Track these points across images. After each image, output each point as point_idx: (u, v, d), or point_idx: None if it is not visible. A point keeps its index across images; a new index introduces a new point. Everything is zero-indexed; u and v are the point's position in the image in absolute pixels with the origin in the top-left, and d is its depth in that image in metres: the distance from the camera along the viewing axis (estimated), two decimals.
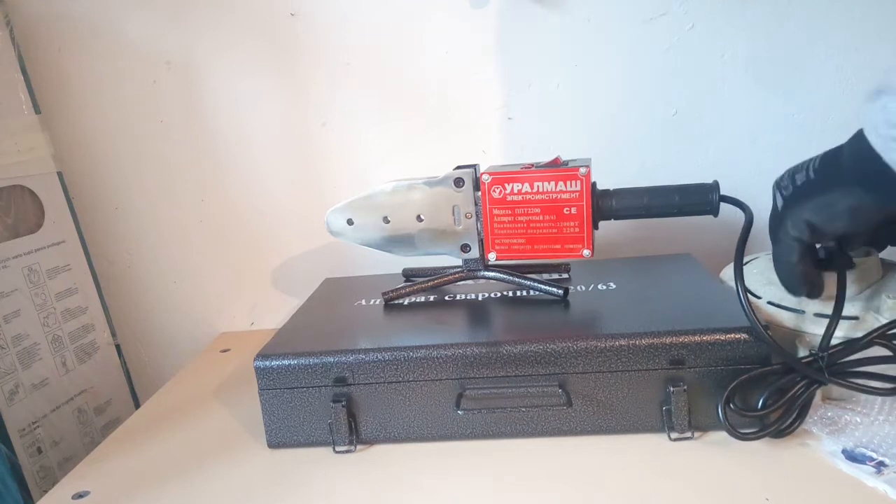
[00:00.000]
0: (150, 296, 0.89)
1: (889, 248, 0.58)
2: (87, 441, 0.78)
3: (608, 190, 0.60)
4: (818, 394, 0.53)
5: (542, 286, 0.63)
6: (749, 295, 0.57)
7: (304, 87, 0.79)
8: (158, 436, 0.64)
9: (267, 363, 0.57)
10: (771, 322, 0.56)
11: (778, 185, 0.52)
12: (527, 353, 0.54)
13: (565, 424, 0.55)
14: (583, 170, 0.58)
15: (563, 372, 0.54)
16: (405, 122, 0.79)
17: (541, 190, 0.59)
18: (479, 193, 0.61)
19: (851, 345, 0.51)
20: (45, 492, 0.57)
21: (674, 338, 0.52)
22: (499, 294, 0.66)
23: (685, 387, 0.52)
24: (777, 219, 0.52)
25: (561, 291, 0.62)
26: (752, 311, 0.51)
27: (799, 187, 0.50)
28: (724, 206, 0.58)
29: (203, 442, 0.62)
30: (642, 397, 0.54)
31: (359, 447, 0.57)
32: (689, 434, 0.53)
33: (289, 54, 0.78)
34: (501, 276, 0.64)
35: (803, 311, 0.55)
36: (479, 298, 0.66)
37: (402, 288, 0.67)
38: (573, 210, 0.59)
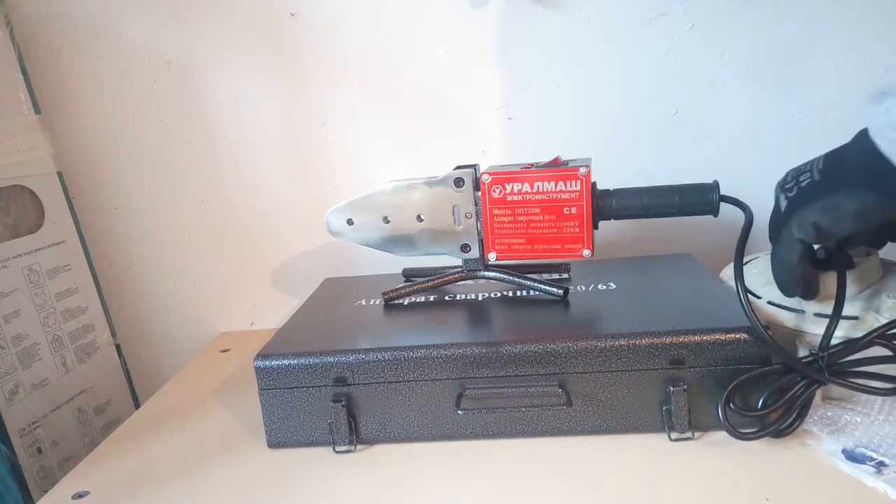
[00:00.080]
0: (150, 296, 0.89)
1: (889, 248, 0.58)
2: (87, 441, 0.78)
3: (608, 190, 0.60)
4: (818, 394, 0.53)
5: (542, 286, 0.63)
6: (749, 295, 0.57)
7: (304, 87, 0.79)
8: (158, 436, 0.64)
9: (267, 363, 0.57)
10: (771, 322, 0.56)
11: (781, 187, 0.52)
12: (527, 352, 0.54)
13: (565, 424, 0.55)
14: (583, 170, 0.58)
15: (563, 372, 0.54)
16: (405, 122, 0.79)
17: (541, 190, 0.59)
18: (479, 193, 0.61)
19: (851, 345, 0.51)
20: (45, 492, 0.57)
21: (674, 338, 0.52)
22: (499, 294, 0.66)
23: (685, 387, 0.52)
24: (780, 220, 0.52)
25: (561, 291, 0.62)
26: (752, 311, 0.51)
27: (804, 189, 0.50)
28: (724, 206, 0.58)
29: (203, 442, 0.62)
30: (642, 397, 0.54)
31: (359, 447, 0.57)
32: (689, 434, 0.53)
33: (289, 54, 0.78)
34: (501, 276, 0.64)
35: (803, 311, 0.55)
36: (479, 298, 0.66)
37: (402, 288, 0.67)
38: (573, 210, 0.59)
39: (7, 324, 0.70)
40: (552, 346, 0.53)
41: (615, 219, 0.60)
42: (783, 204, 0.51)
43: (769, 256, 0.56)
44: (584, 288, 0.65)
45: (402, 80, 0.78)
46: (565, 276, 0.69)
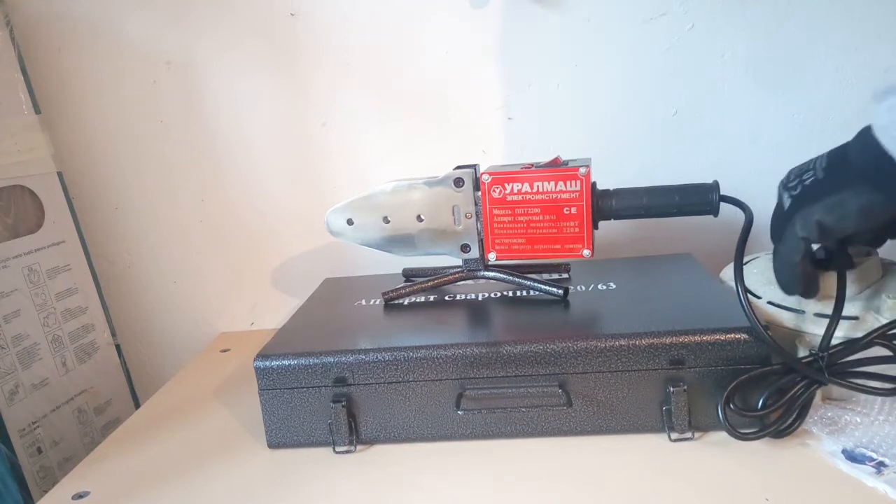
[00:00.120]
0: (150, 296, 0.89)
1: (889, 248, 0.58)
2: (87, 441, 0.78)
3: (608, 190, 0.60)
4: (818, 394, 0.53)
5: (542, 286, 0.63)
6: (749, 295, 0.57)
7: (304, 87, 0.79)
8: (158, 436, 0.64)
9: (267, 363, 0.57)
10: (771, 322, 0.56)
11: (784, 185, 0.52)
12: (527, 353, 0.54)
13: (565, 424, 0.55)
14: (583, 170, 0.58)
15: (563, 372, 0.54)
16: (405, 122, 0.79)
17: (541, 190, 0.59)
18: (479, 193, 0.61)
19: (851, 345, 0.51)
20: (45, 492, 0.57)
21: (674, 338, 0.52)
22: (499, 294, 0.66)
23: (685, 387, 0.52)
24: (783, 218, 0.51)
25: (561, 291, 0.62)
26: (752, 311, 0.51)
27: (808, 187, 0.49)
28: (724, 206, 0.57)
29: (203, 442, 0.62)
30: (642, 397, 0.54)
31: (359, 447, 0.57)
32: (689, 434, 0.53)
33: (289, 54, 0.78)
34: (501, 276, 0.64)
35: (803, 311, 0.55)
36: (479, 298, 0.66)
37: (402, 288, 0.67)
38: (573, 210, 0.59)
39: (7, 324, 0.70)
40: (552, 347, 0.53)
41: (615, 219, 0.60)
42: (786, 202, 0.51)
43: (769, 256, 0.56)
44: (584, 288, 0.65)
45: (402, 80, 0.78)
46: (565, 276, 0.69)
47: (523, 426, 0.55)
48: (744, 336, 0.51)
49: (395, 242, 0.64)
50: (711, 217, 0.58)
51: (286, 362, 0.56)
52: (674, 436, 0.53)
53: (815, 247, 0.57)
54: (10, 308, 0.70)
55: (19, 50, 0.76)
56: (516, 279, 0.64)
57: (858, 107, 0.73)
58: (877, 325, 0.51)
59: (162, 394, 0.73)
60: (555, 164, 0.60)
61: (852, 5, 0.70)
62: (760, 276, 0.61)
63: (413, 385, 0.55)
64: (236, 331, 0.89)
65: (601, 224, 0.61)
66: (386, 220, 0.64)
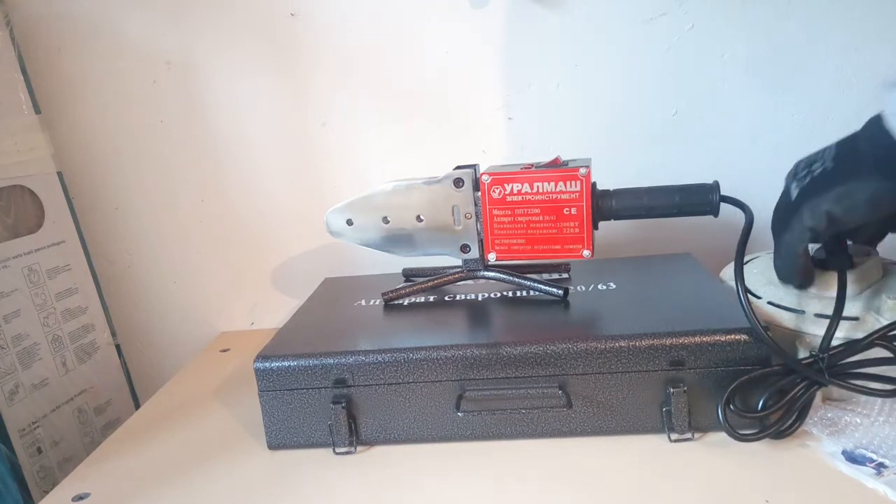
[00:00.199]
0: (150, 296, 0.89)
1: (890, 249, 0.58)
2: (87, 441, 0.78)
3: (608, 190, 0.60)
4: (818, 395, 0.53)
5: (542, 286, 0.63)
6: (749, 295, 0.57)
7: (304, 87, 0.79)
8: (158, 436, 0.64)
9: (267, 365, 0.57)
10: (771, 322, 0.56)
11: (794, 175, 0.52)
12: (527, 354, 0.54)
13: (565, 426, 0.55)
14: (583, 170, 0.58)
15: (562, 373, 0.54)
16: (405, 122, 0.79)
17: (541, 190, 0.59)
18: (479, 194, 0.61)
19: (852, 346, 0.51)
20: (46, 492, 0.57)
21: (674, 339, 0.52)
22: (499, 294, 0.66)
23: (685, 388, 0.52)
24: (789, 209, 0.51)
25: (561, 292, 0.62)
26: (753, 312, 0.51)
27: (817, 177, 0.49)
28: (724, 206, 0.57)
29: (203, 443, 0.62)
30: (642, 398, 0.54)
31: (359, 448, 0.57)
32: (689, 435, 0.53)
33: (289, 54, 0.78)
34: (501, 276, 0.64)
35: (803, 312, 0.55)
36: (479, 299, 0.66)
37: (401, 288, 0.67)
38: (573, 210, 0.59)
39: (7, 324, 0.70)
40: (552, 348, 0.53)
41: (615, 219, 0.60)
42: (794, 192, 0.51)
43: (770, 256, 0.56)
44: (584, 288, 0.65)
45: (402, 80, 0.78)
46: (565, 275, 0.69)
47: (523, 427, 0.55)
48: (744, 337, 0.51)
49: (395, 243, 0.64)
50: (711, 217, 0.58)
51: (286, 363, 0.56)
52: (674, 437, 0.53)
53: (815, 247, 0.57)
54: (10, 308, 0.70)
55: (19, 50, 0.76)
56: (516, 279, 0.64)
57: (858, 107, 0.73)
58: (877, 325, 0.51)
59: (162, 394, 0.73)
60: (555, 164, 0.60)
61: (852, 5, 0.70)
62: (760, 275, 0.61)
63: (413, 386, 0.55)
64: (236, 330, 0.89)
65: (601, 224, 0.61)
66: (386, 221, 0.64)
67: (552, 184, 0.59)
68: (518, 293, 0.66)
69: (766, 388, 0.51)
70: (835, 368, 0.50)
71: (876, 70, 0.72)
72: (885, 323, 0.51)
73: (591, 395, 0.54)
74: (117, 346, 0.85)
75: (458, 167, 0.62)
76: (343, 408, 0.56)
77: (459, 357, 0.54)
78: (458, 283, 0.67)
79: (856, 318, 0.53)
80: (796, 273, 0.54)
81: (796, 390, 0.50)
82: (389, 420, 0.56)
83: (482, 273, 0.64)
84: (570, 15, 0.74)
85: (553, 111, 0.77)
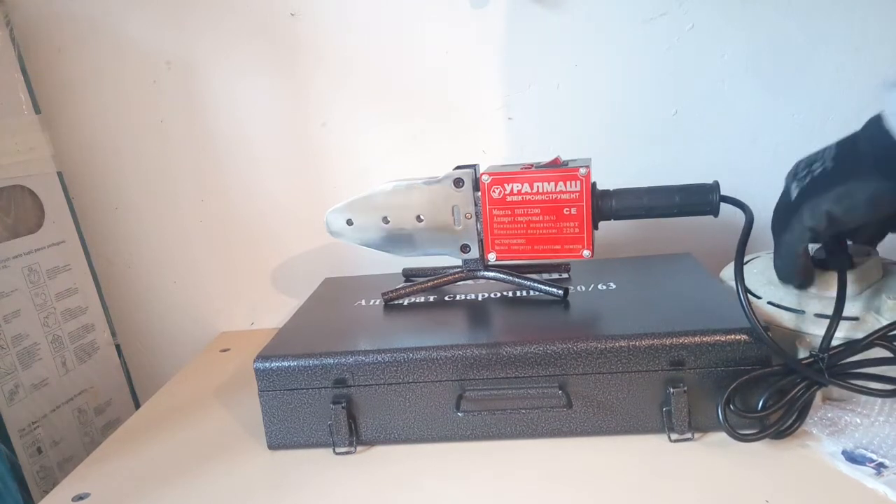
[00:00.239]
0: (150, 296, 0.89)
1: (889, 249, 0.58)
2: (87, 441, 0.78)
3: (608, 190, 0.60)
4: (818, 394, 0.53)
5: (542, 286, 0.63)
6: (749, 295, 0.57)
7: (304, 87, 0.79)
8: (158, 436, 0.64)
9: (267, 365, 0.57)
10: (771, 322, 0.56)
11: (794, 175, 0.51)
12: (527, 354, 0.54)
13: (565, 426, 0.55)
14: (583, 170, 0.58)
15: (563, 373, 0.54)
16: (405, 122, 0.79)
17: (540, 190, 0.59)
18: (479, 194, 0.61)
19: (852, 346, 0.51)
20: (46, 492, 0.57)
21: (674, 339, 0.52)
22: (499, 294, 0.66)
23: (685, 388, 0.52)
24: (789, 208, 0.51)
25: (561, 292, 0.62)
26: (753, 312, 0.51)
27: (817, 177, 0.49)
28: (724, 206, 0.57)
29: (203, 443, 0.62)
30: (642, 398, 0.54)
31: (359, 448, 0.57)
32: (689, 435, 0.53)
33: (289, 54, 0.78)
34: (501, 276, 0.64)
35: (803, 312, 0.55)
36: (479, 299, 0.66)
37: (401, 288, 0.67)
38: (573, 210, 0.59)
39: (7, 324, 0.70)
40: (552, 348, 0.53)
41: (615, 219, 0.60)
42: (794, 192, 0.51)
43: (769, 256, 0.56)
44: (584, 288, 0.65)
45: (403, 80, 0.78)
46: (565, 275, 0.69)
47: (523, 427, 0.55)
48: (744, 337, 0.51)
49: (395, 243, 0.64)
50: (711, 217, 0.58)
51: (286, 364, 0.56)
52: (674, 437, 0.53)
53: (815, 247, 0.57)
54: (10, 308, 0.70)
55: (19, 50, 0.76)
56: (516, 279, 0.64)
57: (858, 107, 0.73)
58: (877, 325, 0.51)
59: (162, 394, 0.73)
60: (555, 164, 0.60)
61: (853, 5, 0.70)
62: (760, 275, 0.61)
63: (413, 386, 0.55)
64: (236, 330, 0.89)
65: (601, 224, 0.61)
66: (385, 221, 0.64)
67: (552, 184, 0.59)
68: (518, 293, 0.66)
69: (766, 388, 0.51)
70: (835, 368, 0.50)
71: (876, 70, 0.72)
72: (885, 323, 0.51)
73: (591, 395, 0.54)
74: (117, 346, 0.85)
75: (458, 167, 0.62)
76: (343, 408, 0.56)
77: (459, 357, 0.54)
78: (458, 283, 0.67)
79: (856, 318, 0.53)
80: (796, 273, 0.54)
81: (796, 390, 0.50)
82: (389, 420, 0.56)
83: (482, 273, 0.64)
84: (570, 15, 0.74)
85: (553, 111, 0.77)
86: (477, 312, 0.63)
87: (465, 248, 0.63)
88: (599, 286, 0.65)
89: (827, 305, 0.54)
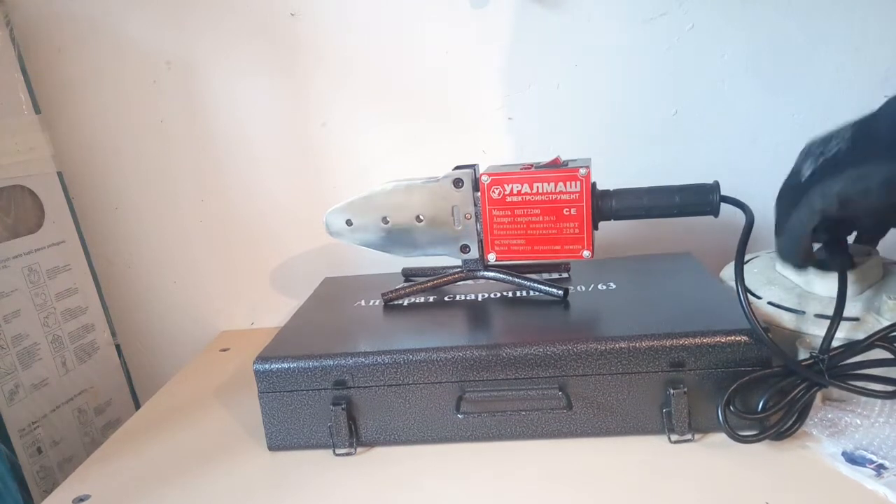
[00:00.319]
0: (150, 296, 0.89)
1: (889, 249, 0.58)
2: (88, 441, 0.78)
3: (608, 190, 0.60)
4: (818, 396, 0.53)
5: (542, 287, 0.63)
6: (749, 295, 0.57)
7: (304, 87, 0.79)
8: (159, 437, 0.64)
9: (266, 366, 0.56)
10: (771, 323, 0.56)
11: (806, 154, 0.50)
12: (527, 355, 0.54)
13: (565, 427, 0.55)
14: (583, 170, 0.58)
15: (563, 374, 0.54)
16: (405, 122, 0.79)
17: (540, 191, 0.59)
18: (479, 194, 0.61)
19: (852, 347, 0.50)
20: (46, 492, 0.58)
21: (674, 340, 0.52)
22: (498, 294, 0.66)
23: (685, 389, 0.52)
24: (800, 188, 0.49)
25: (561, 292, 0.62)
26: (753, 313, 0.51)
27: (830, 158, 0.47)
28: (724, 206, 0.57)
29: (203, 444, 0.62)
30: (642, 400, 0.54)
31: (359, 450, 0.57)
32: (689, 436, 0.53)
33: (289, 54, 0.78)
34: (501, 276, 0.64)
35: (804, 312, 0.55)
36: (479, 299, 0.66)
37: (401, 288, 0.67)
38: (573, 211, 0.59)
39: (7, 324, 0.70)
40: (552, 349, 0.53)
41: (615, 219, 0.60)
42: (806, 172, 0.49)
43: (770, 256, 0.56)
44: (584, 288, 0.65)
45: (403, 80, 0.78)
46: (565, 275, 0.69)
47: (523, 428, 0.55)
48: (744, 338, 0.51)
49: (395, 243, 0.64)
50: (711, 217, 0.58)
51: (286, 365, 0.56)
52: (674, 438, 0.53)
53: (815, 247, 0.57)
54: (10, 308, 0.70)
55: (19, 50, 0.76)
56: (516, 279, 0.64)
57: (858, 107, 0.71)
58: (877, 326, 0.51)
59: (162, 394, 0.73)
60: (555, 164, 0.60)
61: (853, 5, 0.70)
62: (760, 275, 0.61)
63: (413, 388, 0.55)
64: (236, 330, 0.89)
65: (601, 224, 0.61)
66: (385, 221, 0.64)
67: (552, 184, 0.59)
68: (518, 293, 0.66)
69: (766, 389, 0.51)
70: (835, 369, 0.50)
71: (876, 70, 0.72)
72: (886, 324, 0.51)
73: (591, 396, 0.54)
74: (117, 346, 0.85)
75: (458, 167, 0.62)
76: (343, 409, 0.56)
77: (459, 358, 0.54)
78: (458, 283, 0.67)
79: (856, 319, 0.53)
80: (799, 255, 0.52)
81: (796, 391, 0.50)
82: (389, 421, 0.56)
83: (482, 273, 0.64)
84: (570, 15, 0.74)
85: (553, 111, 0.77)
86: (477, 313, 0.63)
87: (464, 249, 0.63)
88: (599, 286, 0.65)
89: (827, 306, 0.54)
